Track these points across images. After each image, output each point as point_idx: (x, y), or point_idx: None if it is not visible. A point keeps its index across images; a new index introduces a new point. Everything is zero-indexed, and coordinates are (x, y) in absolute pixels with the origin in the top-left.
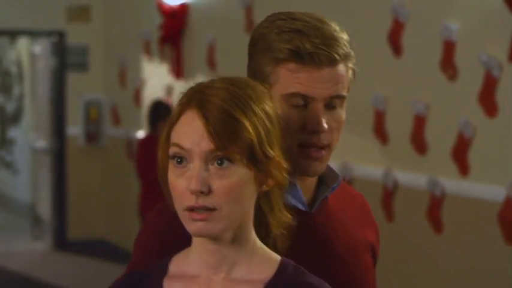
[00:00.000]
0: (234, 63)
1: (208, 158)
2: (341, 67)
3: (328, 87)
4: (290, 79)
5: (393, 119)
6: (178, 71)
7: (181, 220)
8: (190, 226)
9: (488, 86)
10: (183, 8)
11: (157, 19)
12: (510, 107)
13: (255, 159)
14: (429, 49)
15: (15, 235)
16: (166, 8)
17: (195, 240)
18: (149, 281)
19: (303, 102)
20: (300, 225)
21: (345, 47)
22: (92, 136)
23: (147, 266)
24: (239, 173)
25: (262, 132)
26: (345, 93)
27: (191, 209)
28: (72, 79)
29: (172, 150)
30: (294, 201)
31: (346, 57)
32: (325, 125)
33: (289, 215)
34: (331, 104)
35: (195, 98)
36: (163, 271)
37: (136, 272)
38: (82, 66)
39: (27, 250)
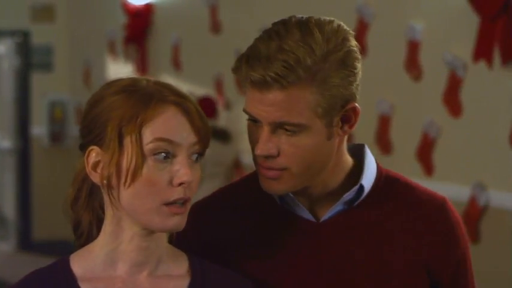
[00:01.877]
0: (199, 62)
1: (189, 152)
2: (292, 92)
3: (271, 112)
4: (246, 96)
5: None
6: (143, 71)
7: (152, 215)
8: (168, 221)
9: (452, 86)
10: (148, 7)
11: (122, 19)
12: (474, 107)
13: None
14: (394, 49)
15: None
16: (131, 7)
17: (121, 239)
18: (59, 287)
19: (255, 121)
20: (299, 234)
21: (298, 70)
22: (56, 136)
23: (40, 272)
24: (199, 170)
25: None
26: (301, 120)
27: (175, 202)
28: (37, 79)
29: (157, 145)
30: (297, 209)
31: (299, 81)
32: (262, 151)
33: None
34: (283, 129)
35: (169, 96)
36: (69, 274)
37: (34, 279)
38: (46, 66)
39: None
